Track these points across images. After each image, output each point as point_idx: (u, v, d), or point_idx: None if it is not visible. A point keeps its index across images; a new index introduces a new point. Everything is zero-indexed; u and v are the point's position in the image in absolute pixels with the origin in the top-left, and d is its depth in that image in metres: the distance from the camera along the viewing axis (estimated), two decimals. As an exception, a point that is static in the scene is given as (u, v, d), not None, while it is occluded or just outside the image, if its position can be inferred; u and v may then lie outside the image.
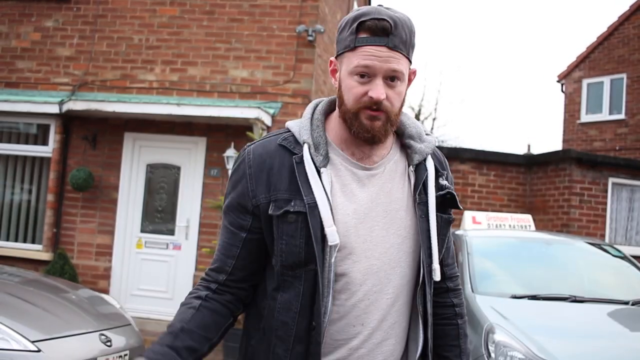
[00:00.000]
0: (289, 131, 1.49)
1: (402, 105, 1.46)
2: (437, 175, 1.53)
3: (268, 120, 7.00)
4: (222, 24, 7.61)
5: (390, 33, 1.37)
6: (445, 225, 1.53)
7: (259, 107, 6.97)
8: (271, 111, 7.13)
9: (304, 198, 1.39)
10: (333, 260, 1.38)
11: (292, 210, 1.39)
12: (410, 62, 1.44)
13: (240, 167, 1.48)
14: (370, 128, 1.41)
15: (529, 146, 19.87)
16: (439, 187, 1.51)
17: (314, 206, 1.38)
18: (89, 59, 7.83)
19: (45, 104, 7.41)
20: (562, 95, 16.23)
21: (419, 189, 1.48)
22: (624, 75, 14.66)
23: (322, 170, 1.42)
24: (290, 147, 1.45)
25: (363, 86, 1.38)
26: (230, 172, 1.55)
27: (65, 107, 7.29)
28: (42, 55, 7.96)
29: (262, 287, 1.51)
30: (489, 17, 43.65)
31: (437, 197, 1.49)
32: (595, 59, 15.40)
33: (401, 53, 1.39)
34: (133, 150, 7.70)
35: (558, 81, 16.37)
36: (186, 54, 7.65)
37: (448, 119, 39.13)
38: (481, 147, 20.79)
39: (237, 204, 1.46)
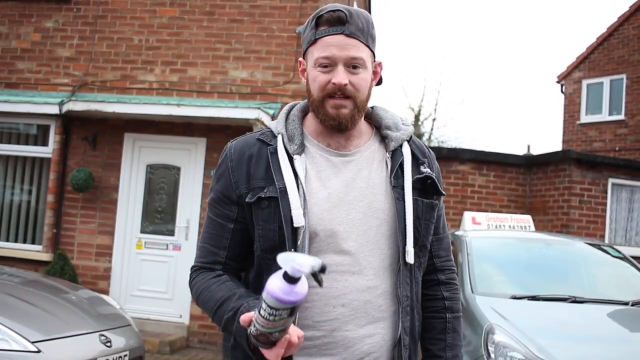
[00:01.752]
0: (268, 128, 1.58)
1: (369, 93, 1.52)
2: (418, 162, 1.57)
3: (268, 121, 7.00)
4: (222, 25, 7.62)
5: (346, 21, 1.44)
6: (427, 210, 1.55)
7: (258, 108, 6.97)
8: (271, 112, 7.13)
9: (276, 184, 1.45)
10: (306, 242, 1.43)
11: (264, 196, 1.46)
12: (372, 52, 1.50)
13: (224, 161, 1.55)
14: (335, 116, 1.47)
15: (528, 147, 19.84)
16: (418, 173, 1.55)
17: (285, 191, 1.44)
18: (89, 59, 7.84)
19: (45, 104, 7.41)
20: (562, 96, 16.25)
21: (395, 172, 1.53)
22: (624, 76, 14.66)
23: (295, 157, 1.48)
24: (267, 140, 1.53)
25: (326, 75, 1.46)
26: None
27: (65, 108, 7.29)
28: (42, 56, 7.96)
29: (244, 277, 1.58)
30: (489, 18, 43.68)
31: (416, 182, 1.54)
32: (595, 59, 15.41)
33: (359, 40, 1.45)
34: (133, 151, 7.70)
35: (558, 82, 16.38)
36: (186, 54, 7.66)
37: (448, 119, 39.13)
38: (481, 147, 20.80)
39: (223, 196, 1.52)
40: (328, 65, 1.45)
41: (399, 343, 1.48)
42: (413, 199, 1.51)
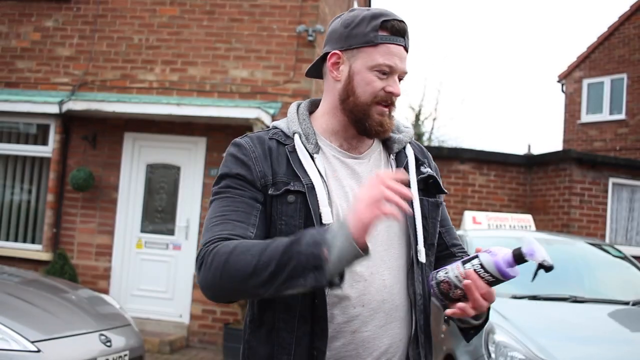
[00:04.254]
0: (276, 128, 1.56)
1: None
2: (419, 163, 1.61)
3: (268, 121, 6.99)
4: (222, 24, 7.61)
5: (406, 35, 1.50)
6: (433, 208, 1.59)
7: (259, 107, 6.96)
8: (271, 111, 7.13)
9: (302, 180, 1.44)
10: None
11: (292, 189, 1.43)
12: None
13: (243, 151, 1.48)
14: (381, 122, 1.49)
15: (529, 146, 19.87)
16: (420, 173, 1.59)
17: (312, 187, 1.43)
18: (89, 58, 7.83)
19: (45, 104, 7.40)
20: (563, 96, 16.24)
21: None
22: (625, 76, 14.65)
23: (315, 156, 1.48)
24: (281, 140, 1.51)
25: (382, 82, 1.47)
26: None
27: (65, 107, 7.28)
28: (42, 55, 7.96)
29: None
30: (490, 17, 43.67)
31: (419, 182, 1.57)
32: (596, 59, 15.39)
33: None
34: (133, 150, 7.69)
35: (558, 81, 16.37)
36: (186, 53, 7.65)
37: (448, 119, 39.09)
38: (481, 147, 20.77)
39: (248, 179, 1.45)
40: (387, 73, 1.47)
41: (415, 341, 1.50)
42: (419, 199, 1.54)
